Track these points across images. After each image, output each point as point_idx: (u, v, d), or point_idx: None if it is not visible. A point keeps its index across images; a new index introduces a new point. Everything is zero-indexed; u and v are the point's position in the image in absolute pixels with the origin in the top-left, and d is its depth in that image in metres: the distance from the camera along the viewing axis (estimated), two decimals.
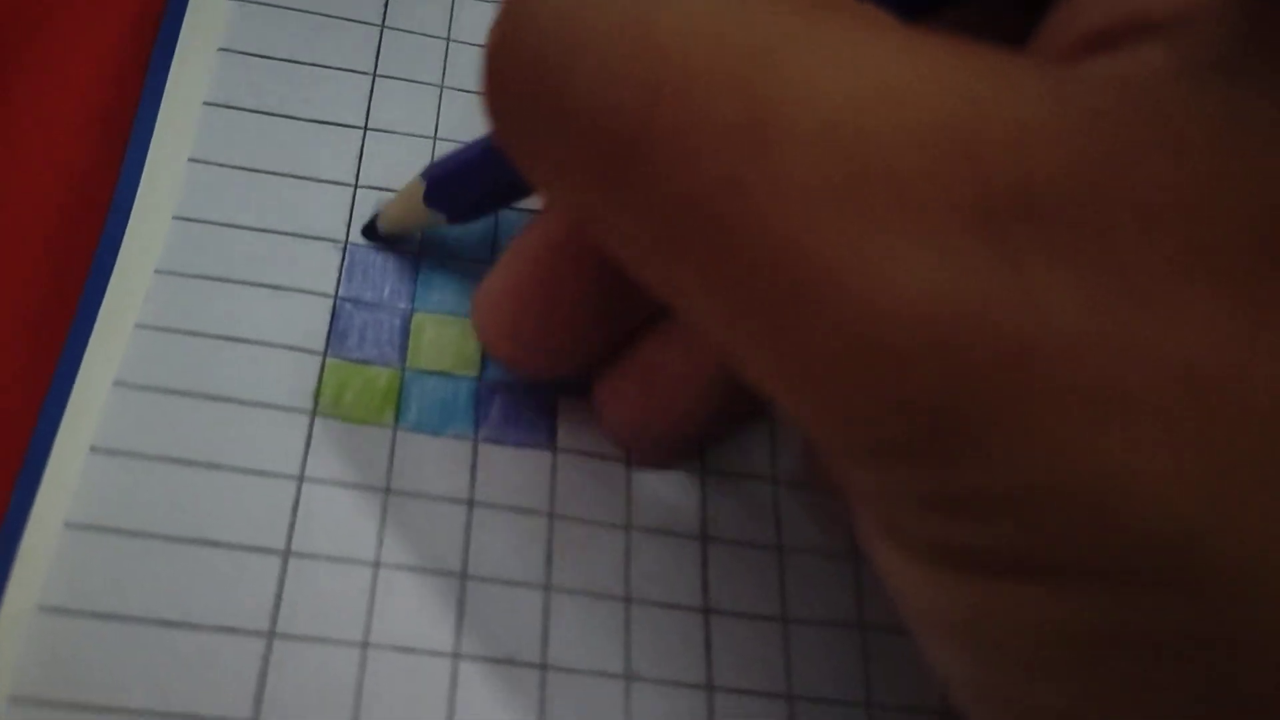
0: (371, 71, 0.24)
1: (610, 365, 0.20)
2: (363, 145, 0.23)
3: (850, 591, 0.20)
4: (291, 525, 0.19)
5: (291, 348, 0.20)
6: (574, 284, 0.19)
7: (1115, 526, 0.11)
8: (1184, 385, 0.11)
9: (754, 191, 0.12)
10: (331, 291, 0.21)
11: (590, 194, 0.14)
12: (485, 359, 0.21)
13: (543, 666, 0.18)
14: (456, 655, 0.18)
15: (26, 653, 0.17)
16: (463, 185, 0.20)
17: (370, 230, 0.22)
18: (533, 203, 0.22)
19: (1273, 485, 0.11)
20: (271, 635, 0.18)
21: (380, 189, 0.22)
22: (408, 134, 0.23)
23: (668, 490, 0.21)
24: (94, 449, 0.19)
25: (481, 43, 0.14)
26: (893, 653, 0.20)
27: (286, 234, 0.21)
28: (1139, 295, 0.11)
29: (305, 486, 0.19)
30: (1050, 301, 0.11)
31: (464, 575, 0.19)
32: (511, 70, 0.14)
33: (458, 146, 0.20)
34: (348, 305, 0.21)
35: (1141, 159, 0.11)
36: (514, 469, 0.20)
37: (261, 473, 0.19)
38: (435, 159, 0.21)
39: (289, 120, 0.23)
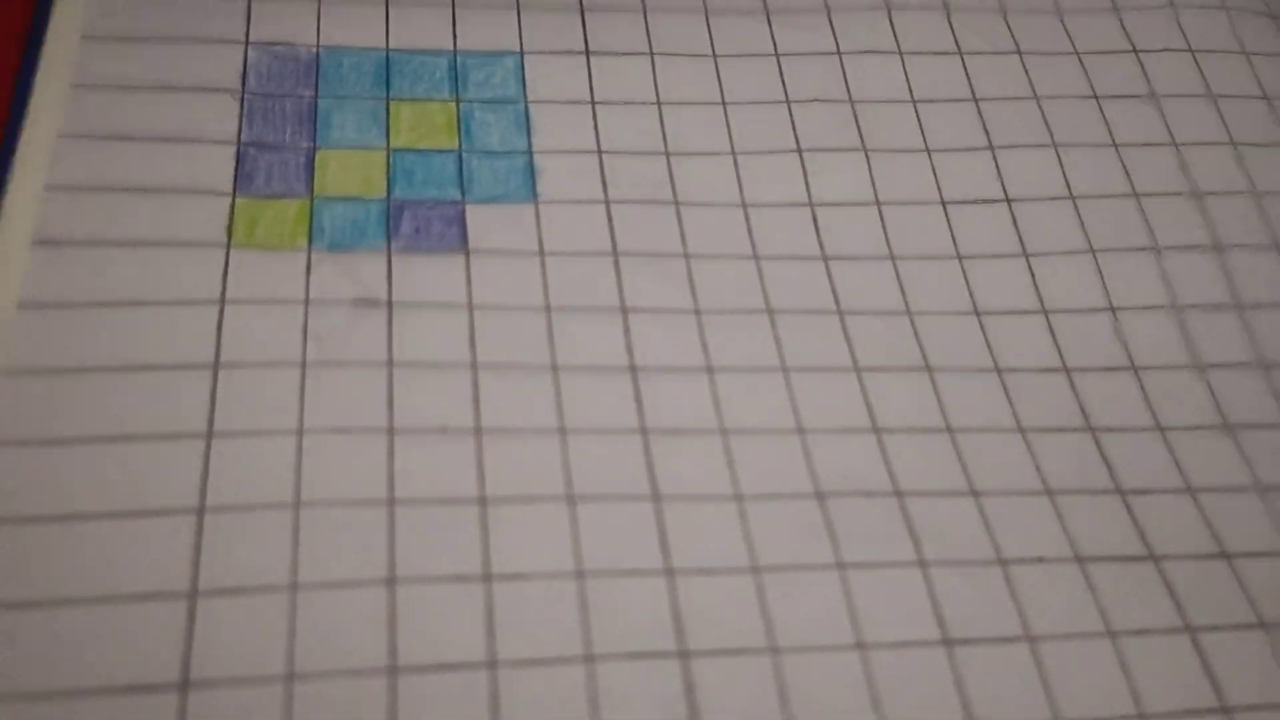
0: None
1: None
2: (249, 5, 0.23)
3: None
4: (218, 342, 0.19)
5: (201, 191, 0.21)
6: None
7: None
8: None
9: None
10: (234, 139, 0.22)
11: None
12: (392, 181, 0.22)
13: (476, 430, 0.19)
14: (391, 430, 0.19)
15: None
16: None
17: None
18: None
19: None
20: (210, 436, 0.18)
21: (270, 43, 0.23)
22: None
23: (588, 272, 0.21)
24: (21, 305, 0.19)
25: None
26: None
27: (184, 89, 0.22)
28: None
29: (227, 308, 0.20)
30: None
31: (390, 363, 0.20)
32: None
33: None
34: (251, 149, 0.22)
35: None
36: (430, 271, 0.21)
37: (185, 301, 0.20)
38: None
39: None
